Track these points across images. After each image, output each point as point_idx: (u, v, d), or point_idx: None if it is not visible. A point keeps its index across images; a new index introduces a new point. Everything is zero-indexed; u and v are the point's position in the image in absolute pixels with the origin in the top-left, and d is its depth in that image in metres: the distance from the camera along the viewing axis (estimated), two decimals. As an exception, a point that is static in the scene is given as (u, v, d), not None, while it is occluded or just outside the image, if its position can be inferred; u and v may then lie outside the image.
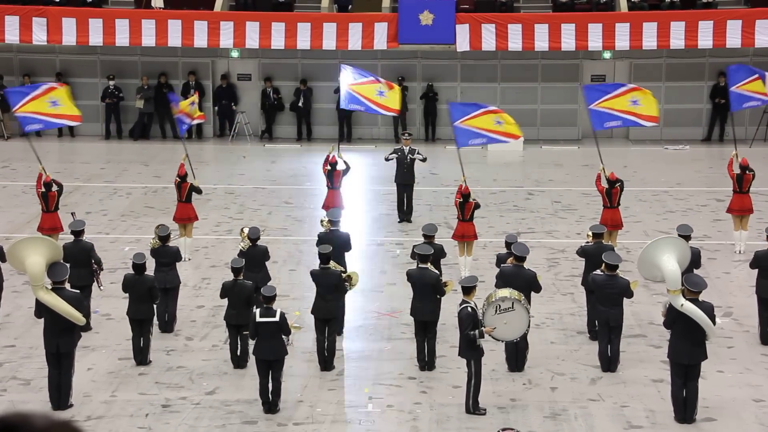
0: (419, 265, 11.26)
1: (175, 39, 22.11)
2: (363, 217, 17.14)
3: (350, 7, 23.45)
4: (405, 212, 16.92)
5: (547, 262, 14.75)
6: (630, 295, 11.17)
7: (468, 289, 10.16)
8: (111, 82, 23.23)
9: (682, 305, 9.80)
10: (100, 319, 12.58)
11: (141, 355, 11.33)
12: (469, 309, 10.05)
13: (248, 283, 11.25)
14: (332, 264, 11.42)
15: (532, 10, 23.43)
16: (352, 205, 17.34)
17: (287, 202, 18.23)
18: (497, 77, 23.55)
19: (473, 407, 10.15)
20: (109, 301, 12.88)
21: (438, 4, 21.82)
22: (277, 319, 10.13)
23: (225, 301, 11.38)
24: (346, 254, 12.62)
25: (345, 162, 15.76)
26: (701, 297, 9.96)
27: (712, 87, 23.07)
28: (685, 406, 9.98)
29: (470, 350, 10.09)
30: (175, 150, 22.81)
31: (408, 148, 16.88)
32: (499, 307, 10.32)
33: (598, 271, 11.25)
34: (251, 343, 10.56)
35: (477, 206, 14.00)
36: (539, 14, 22.68)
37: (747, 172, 15.02)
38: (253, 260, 12.08)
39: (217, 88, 23.68)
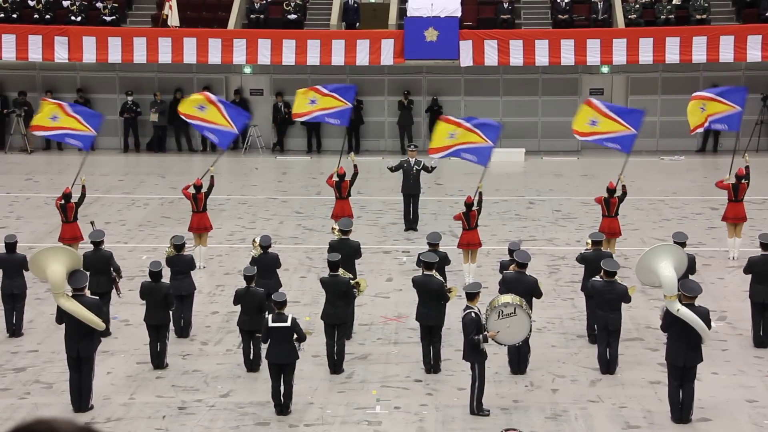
0: (424, 272, 11.45)
1: (190, 56, 22.58)
2: (371, 226, 17.42)
3: (358, 24, 23.85)
4: (411, 221, 17.24)
5: (548, 269, 14.98)
6: (628, 300, 11.34)
7: (472, 295, 10.35)
8: (129, 98, 23.73)
9: (678, 310, 9.96)
10: (119, 325, 12.81)
11: (158, 360, 11.54)
12: (473, 314, 10.23)
13: (260, 290, 11.45)
14: (341, 271, 11.61)
15: (532, 26, 23.81)
16: (360, 214, 17.67)
17: (298, 212, 18.53)
18: (499, 91, 23.91)
19: (477, 408, 10.32)
20: (127, 308, 13.10)
21: (442, 21, 22.19)
22: (288, 324, 10.32)
23: (238, 308, 11.59)
24: (356, 261, 12.91)
25: (355, 166, 16.13)
26: (697, 302, 10.12)
27: (707, 100, 23.52)
28: (681, 407, 10.14)
29: (474, 354, 10.26)
30: (191, 162, 23.27)
31: (414, 159, 17.25)
32: (502, 312, 10.49)
33: (597, 278, 11.41)
34: (264, 347, 10.73)
35: (479, 206, 14.31)
36: (539, 30, 23.06)
37: (742, 181, 15.39)
38: (265, 268, 12.31)
39: (230, 102, 24.16)
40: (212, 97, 15.63)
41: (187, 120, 16.08)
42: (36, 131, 15.70)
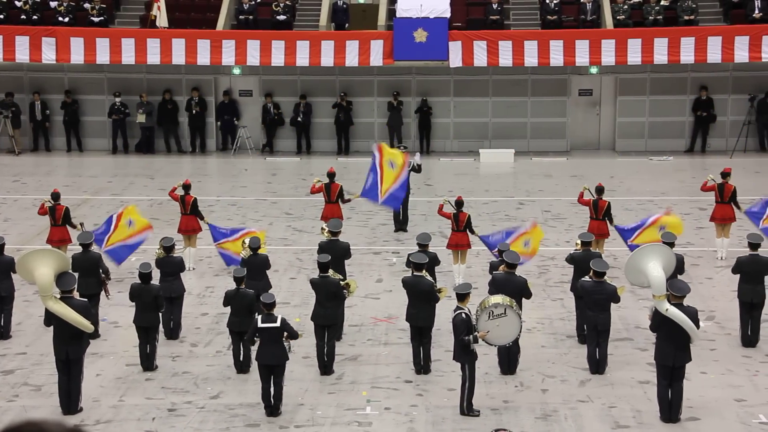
0: (414, 273, 11.48)
1: (179, 57, 22.57)
2: (361, 227, 17.44)
3: (347, 25, 23.90)
4: (401, 222, 17.30)
5: (538, 269, 15.02)
6: (617, 300, 11.41)
7: (462, 296, 10.39)
8: (117, 99, 23.69)
9: (666, 310, 10.03)
10: (108, 327, 12.82)
11: (147, 361, 11.56)
12: (463, 315, 10.28)
13: (250, 292, 11.46)
14: (331, 272, 11.64)
15: (521, 27, 23.91)
16: (350, 215, 17.66)
17: (288, 213, 18.55)
18: (489, 92, 24.01)
19: (467, 409, 10.37)
20: (117, 310, 13.12)
21: (431, 22, 22.25)
22: (278, 324, 10.34)
23: (228, 309, 11.61)
24: (346, 262, 12.95)
25: (350, 200, 16.11)
26: (685, 302, 10.17)
27: (694, 100, 23.55)
28: (670, 407, 10.21)
29: (464, 354, 10.31)
30: (180, 164, 23.25)
31: (403, 160, 17.29)
32: (492, 312, 10.53)
33: (586, 278, 11.48)
34: (254, 348, 10.76)
35: (469, 222, 14.39)
36: (529, 31, 23.16)
37: (728, 181, 15.44)
38: (255, 269, 12.36)
39: (219, 103, 24.12)
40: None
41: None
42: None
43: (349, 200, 16.09)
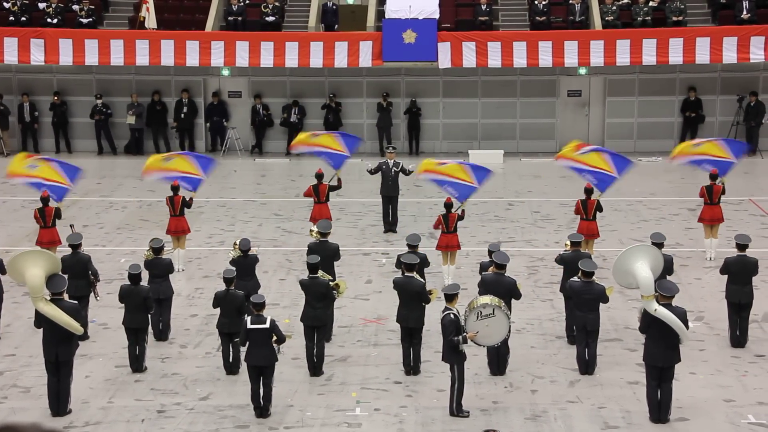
0: (405, 274, 11.49)
1: (168, 58, 22.54)
2: (350, 228, 17.46)
3: (336, 26, 23.92)
4: (390, 223, 17.31)
5: (527, 270, 15.07)
6: (606, 300, 11.43)
7: (451, 297, 10.39)
8: (99, 101, 23.58)
9: (655, 310, 10.05)
10: (97, 329, 12.79)
11: (137, 363, 11.54)
12: (452, 315, 10.28)
13: (239, 293, 11.47)
14: (320, 273, 11.65)
15: (510, 28, 23.97)
16: (340, 216, 17.70)
17: (277, 214, 18.54)
18: (478, 93, 24.06)
19: (457, 410, 10.38)
20: (106, 311, 13.10)
21: (420, 23, 22.29)
22: (267, 325, 10.35)
23: (217, 310, 11.60)
24: (336, 263, 12.95)
25: (339, 179, 16.20)
26: (674, 302, 10.20)
27: (683, 101, 23.64)
28: (659, 407, 10.23)
29: (454, 355, 10.31)
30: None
31: (392, 161, 17.31)
32: (481, 313, 10.51)
33: (575, 278, 11.50)
34: (243, 350, 10.75)
35: (461, 218, 14.44)
36: (517, 32, 23.22)
37: (717, 183, 15.54)
38: (244, 270, 12.36)
39: (208, 105, 24.08)
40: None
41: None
42: (11, 178, 15.75)
43: (336, 186, 16.15)
